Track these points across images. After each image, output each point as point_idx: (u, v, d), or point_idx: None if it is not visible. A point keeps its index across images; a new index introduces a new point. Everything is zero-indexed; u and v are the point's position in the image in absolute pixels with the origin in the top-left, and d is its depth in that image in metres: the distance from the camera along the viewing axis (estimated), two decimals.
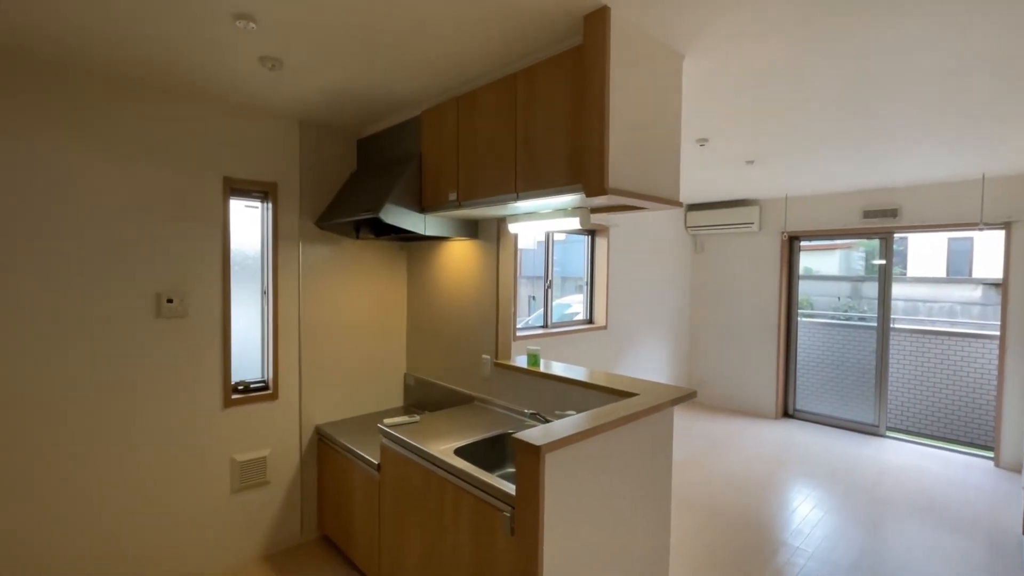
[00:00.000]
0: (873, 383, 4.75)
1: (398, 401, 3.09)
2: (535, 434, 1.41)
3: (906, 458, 4.10)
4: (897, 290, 4.80)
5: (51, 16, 1.60)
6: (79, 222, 2.03)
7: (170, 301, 2.24)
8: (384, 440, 2.14)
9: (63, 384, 2.02)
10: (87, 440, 2.07)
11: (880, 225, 4.49)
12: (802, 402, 5.18)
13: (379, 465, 2.19)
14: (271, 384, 2.57)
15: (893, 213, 4.38)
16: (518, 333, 4.00)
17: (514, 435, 1.40)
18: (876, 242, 4.75)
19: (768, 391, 5.20)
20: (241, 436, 2.47)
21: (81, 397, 2.06)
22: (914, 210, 4.33)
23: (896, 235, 4.61)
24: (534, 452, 1.35)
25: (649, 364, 5.22)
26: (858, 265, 5.41)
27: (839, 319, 5.19)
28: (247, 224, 2.56)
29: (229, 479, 2.44)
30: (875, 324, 4.74)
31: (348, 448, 2.41)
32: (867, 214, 4.53)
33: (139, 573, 2.21)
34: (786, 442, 4.43)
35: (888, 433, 4.67)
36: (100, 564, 2.11)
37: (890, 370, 4.75)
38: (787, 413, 5.23)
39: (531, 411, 2.19)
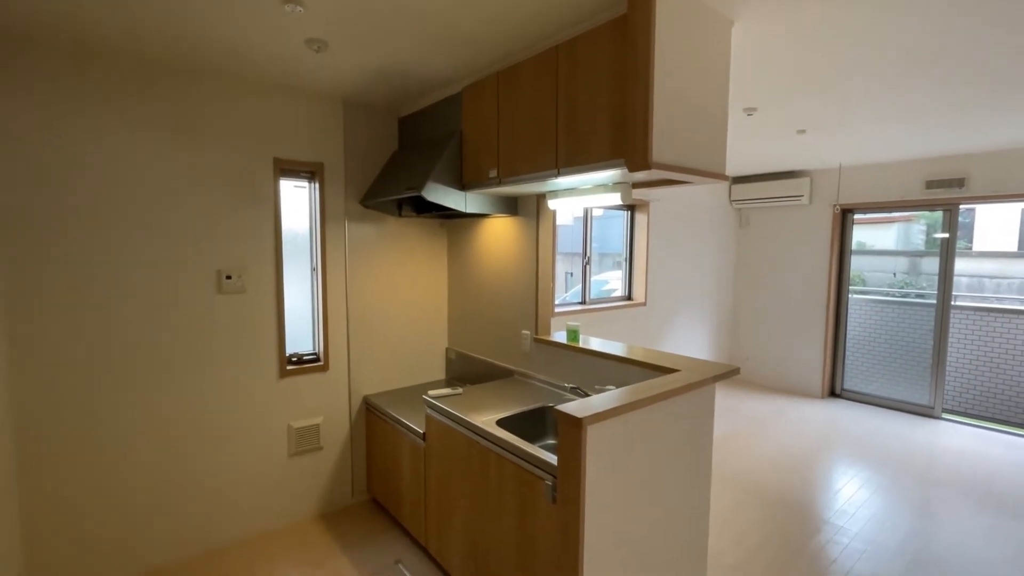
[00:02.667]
0: (929, 363, 4.53)
1: (440, 374, 3.19)
2: (577, 407, 1.44)
3: (963, 441, 3.92)
4: (961, 265, 4.51)
5: (117, 6, 1.69)
6: (143, 204, 2.17)
7: (229, 278, 2.38)
8: (429, 411, 2.23)
9: (150, 353, 2.20)
10: (172, 402, 2.26)
11: (944, 196, 4.21)
12: (850, 382, 5.01)
13: (424, 434, 2.29)
14: (322, 356, 2.71)
15: (960, 183, 4.09)
16: (556, 310, 4.03)
17: (557, 407, 1.44)
18: (939, 214, 4.46)
19: (814, 370, 5.05)
20: (296, 404, 2.63)
21: (162, 365, 2.24)
22: (983, 179, 4.03)
23: (962, 207, 4.31)
24: (576, 424, 1.38)
25: (690, 341, 5.15)
26: (918, 239, 5.10)
27: (894, 296, 4.93)
28: (296, 204, 2.67)
29: (287, 443, 2.62)
30: (934, 301, 4.49)
31: (395, 418, 2.53)
32: (930, 184, 4.25)
33: (209, 532, 2.42)
34: (832, 422, 4.32)
35: (944, 415, 4.47)
36: (182, 513, 2.33)
37: (949, 349, 4.51)
38: (834, 392, 5.07)
39: (571, 385, 2.22)
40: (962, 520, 2.78)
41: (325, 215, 2.65)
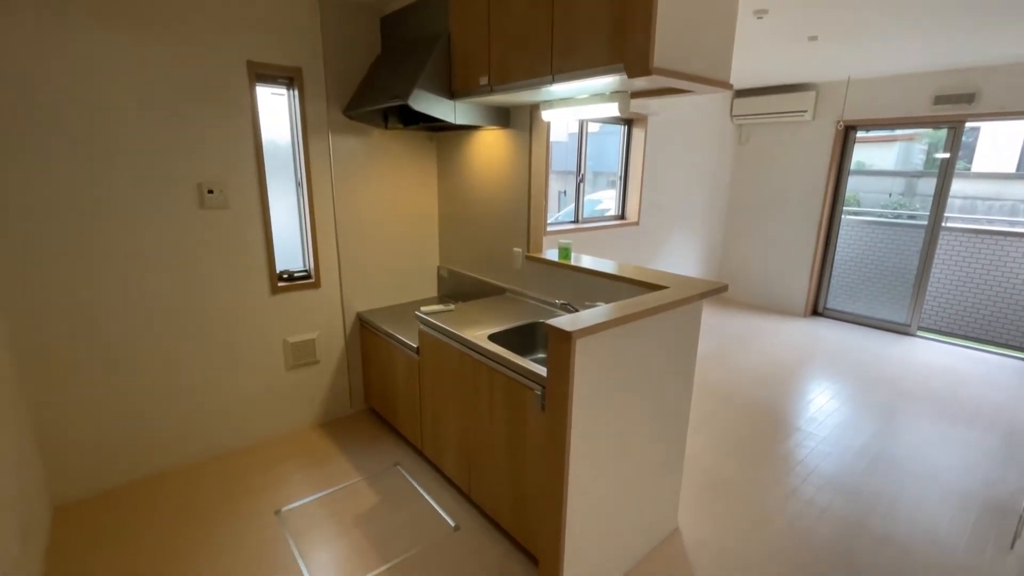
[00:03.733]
0: (912, 283, 4.63)
1: (432, 292, 3.21)
2: (566, 321, 1.47)
3: (935, 356, 4.12)
4: (957, 186, 4.47)
5: None
6: (116, 116, 2.03)
7: (211, 192, 2.30)
8: (422, 326, 2.28)
9: (137, 267, 2.17)
10: (165, 318, 2.28)
11: (952, 112, 4.07)
12: (833, 301, 5.14)
13: (418, 349, 2.35)
14: (313, 273, 2.70)
15: (969, 99, 3.94)
16: (548, 229, 4.00)
17: (547, 322, 1.46)
18: (943, 132, 4.34)
19: (800, 289, 5.16)
20: (290, 320, 2.66)
21: (154, 279, 2.22)
22: (994, 95, 3.88)
23: (968, 124, 4.18)
24: (566, 337, 1.42)
25: (681, 260, 5.19)
26: (917, 159, 5.01)
27: (887, 217, 4.93)
28: (276, 113, 2.52)
29: (283, 357, 2.68)
30: (925, 222, 4.50)
31: (389, 333, 2.58)
32: (938, 100, 4.09)
33: (216, 437, 2.54)
34: (812, 338, 4.49)
35: (919, 333, 4.65)
36: (187, 422, 2.43)
37: (933, 270, 4.60)
38: (816, 311, 5.22)
39: (562, 302, 2.26)
40: (922, 427, 2.99)
41: (307, 126, 2.52)
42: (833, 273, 5.10)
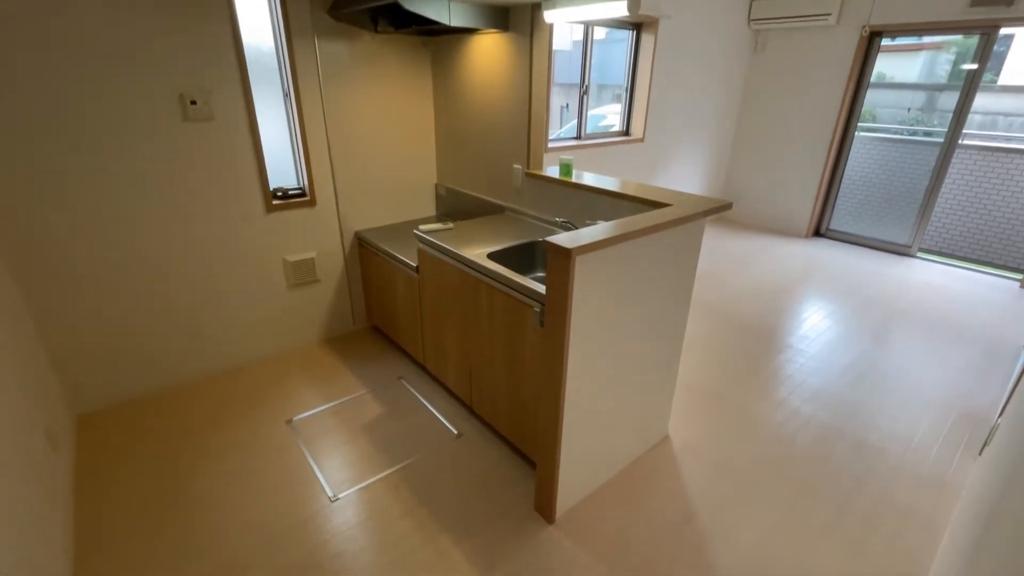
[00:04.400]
0: (919, 203, 4.55)
1: (430, 211, 3.16)
2: (566, 238, 1.45)
3: (932, 277, 4.14)
4: (980, 101, 4.23)
5: None
6: (82, 21, 1.87)
7: (194, 103, 2.18)
8: (421, 245, 2.26)
9: (129, 184, 2.11)
10: (162, 236, 2.25)
11: (987, 16, 3.76)
12: (837, 222, 5.08)
13: (417, 267, 2.35)
14: (307, 191, 2.64)
15: (1009, 0, 3.62)
16: (549, 145, 3.85)
17: (547, 239, 1.44)
18: (973, 40, 4.04)
19: (804, 209, 5.08)
20: (288, 239, 2.64)
21: (146, 197, 2.17)
22: None
23: (1003, 30, 3.89)
24: (565, 255, 1.41)
25: (686, 178, 5.06)
26: (942, 71, 4.71)
27: (902, 134, 4.73)
28: (257, 16, 2.32)
29: (284, 276, 2.70)
30: (940, 140, 4.32)
31: (387, 252, 2.57)
32: (975, 1, 3.76)
33: (225, 352, 2.62)
34: (811, 259, 4.49)
35: (920, 254, 4.65)
36: (196, 338, 2.50)
37: (943, 190, 4.50)
38: (819, 232, 5.18)
39: (562, 220, 2.22)
40: (911, 345, 3.07)
41: (290, 29, 2.33)
42: (840, 193, 4.99)
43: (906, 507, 1.90)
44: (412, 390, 2.54)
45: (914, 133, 4.69)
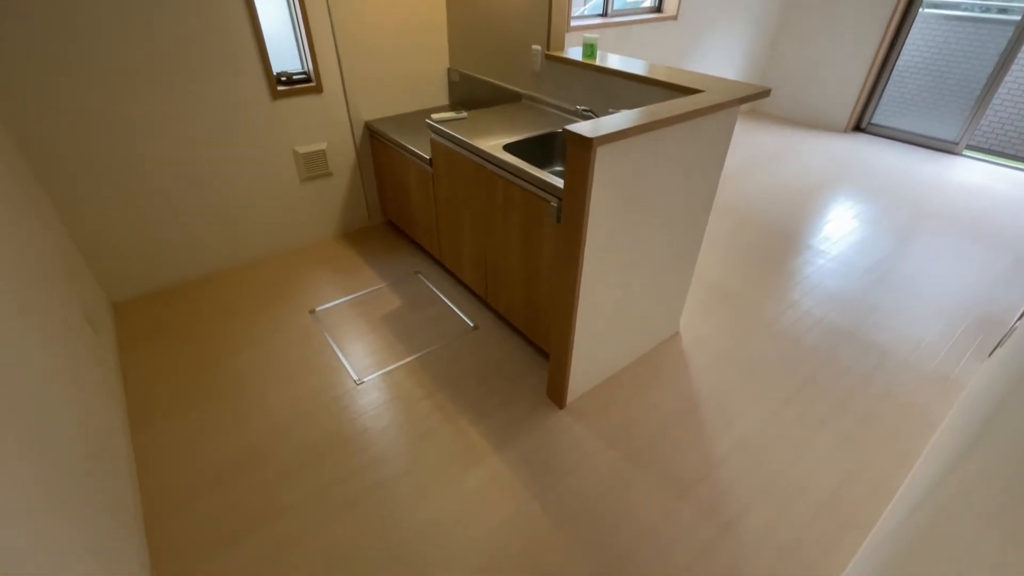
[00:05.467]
0: (976, 94, 4.14)
1: (443, 99, 2.98)
2: (587, 127, 1.36)
3: (974, 177, 3.90)
4: None
5: None
6: None
7: None
8: (433, 135, 2.16)
9: (122, 67, 2.00)
10: (163, 122, 2.18)
11: None
12: (881, 115, 4.69)
13: (431, 160, 2.27)
14: (313, 76, 2.48)
15: None
16: (572, 23, 3.50)
17: (567, 128, 1.36)
18: None
19: (845, 100, 4.68)
20: (296, 129, 2.54)
21: (139, 82, 2.07)
22: None
23: None
24: (586, 145, 1.33)
25: (720, 65, 4.63)
26: None
27: (974, 11, 4.17)
28: None
29: (295, 168, 2.64)
30: (1017, 18, 3.81)
31: (399, 143, 2.47)
32: None
33: (245, 245, 2.65)
34: (847, 156, 4.23)
35: (966, 152, 4.33)
36: (216, 230, 2.53)
37: (1007, 77, 4.06)
38: (859, 127, 4.82)
39: (583, 108, 2.08)
40: (939, 247, 2.98)
41: None
42: (889, 82, 4.54)
43: (906, 404, 1.97)
44: (429, 284, 2.59)
45: (987, 10, 4.13)
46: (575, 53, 2.21)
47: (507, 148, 1.92)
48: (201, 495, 1.61)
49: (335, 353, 2.16)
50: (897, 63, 4.44)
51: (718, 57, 4.56)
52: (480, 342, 2.23)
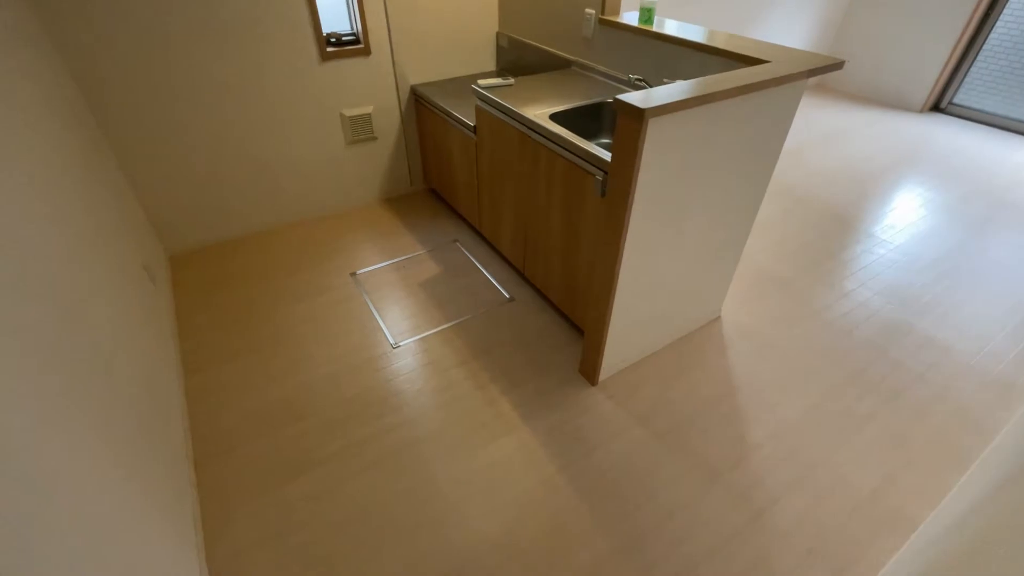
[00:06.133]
0: None
1: (490, 64, 2.92)
2: (640, 97, 1.30)
3: None
4: None
5: None
6: None
7: None
8: (479, 102, 2.12)
9: (175, 31, 2.05)
10: (219, 86, 2.24)
11: None
12: (964, 95, 4.29)
13: (475, 127, 2.24)
14: (361, 37, 2.47)
15: None
16: None
17: (617, 97, 1.30)
18: None
19: (924, 77, 4.29)
20: (343, 91, 2.55)
21: (197, 49, 2.11)
22: None
23: None
24: (637, 115, 1.27)
25: (788, 34, 4.33)
26: None
27: None
28: None
29: (342, 131, 2.66)
30: None
31: (444, 110, 2.44)
32: None
33: (293, 206, 2.72)
34: (921, 138, 3.91)
35: None
36: (263, 190, 2.60)
37: None
38: (938, 107, 4.43)
39: (636, 77, 1.99)
40: (1017, 243, 2.74)
41: None
42: (978, 58, 4.13)
43: (962, 407, 1.86)
44: (467, 253, 2.60)
45: None
46: (630, 18, 2.10)
47: (553, 117, 1.87)
48: (246, 440, 1.71)
49: (373, 315, 2.21)
50: (988, 39, 4.03)
51: (785, 27, 4.25)
52: (515, 314, 2.23)
